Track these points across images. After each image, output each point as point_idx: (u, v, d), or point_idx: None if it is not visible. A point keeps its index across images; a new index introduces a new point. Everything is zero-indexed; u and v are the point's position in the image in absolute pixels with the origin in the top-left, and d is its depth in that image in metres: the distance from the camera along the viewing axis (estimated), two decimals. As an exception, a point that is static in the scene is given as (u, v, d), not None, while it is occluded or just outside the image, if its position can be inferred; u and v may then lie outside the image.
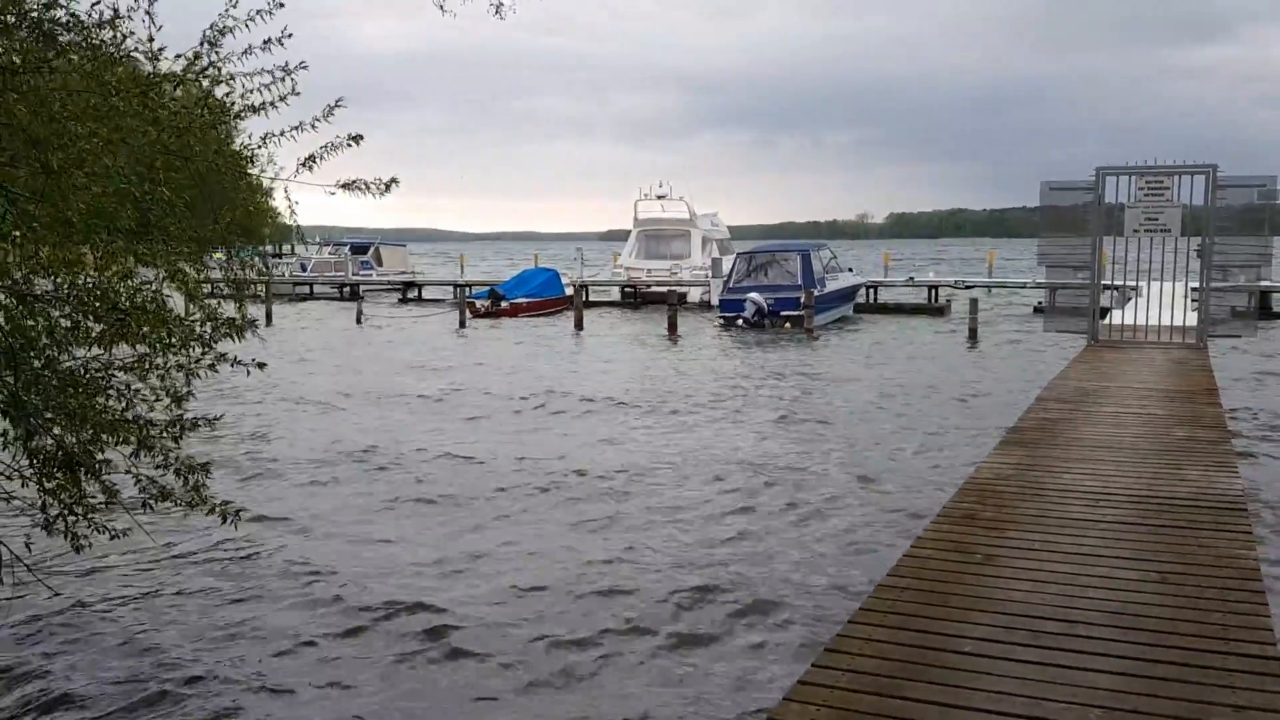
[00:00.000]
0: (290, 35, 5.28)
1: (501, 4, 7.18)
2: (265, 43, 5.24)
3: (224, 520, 5.11)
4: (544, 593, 7.07)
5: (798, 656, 5.77)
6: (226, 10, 5.25)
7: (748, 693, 5.47)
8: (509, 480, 10.37)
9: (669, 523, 8.77)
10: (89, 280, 4.65)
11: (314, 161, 5.36)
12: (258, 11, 5.24)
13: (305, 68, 5.34)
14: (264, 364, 5.27)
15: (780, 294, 27.07)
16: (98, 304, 4.60)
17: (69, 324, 4.66)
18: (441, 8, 7.11)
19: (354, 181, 5.35)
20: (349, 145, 5.38)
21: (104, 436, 4.92)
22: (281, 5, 5.27)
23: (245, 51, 5.28)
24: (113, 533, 5.02)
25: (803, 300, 26.40)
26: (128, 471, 4.87)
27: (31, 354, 4.70)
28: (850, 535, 8.30)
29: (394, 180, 5.39)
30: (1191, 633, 4.07)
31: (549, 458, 11.40)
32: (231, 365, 5.09)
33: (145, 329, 4.64)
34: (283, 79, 5.33)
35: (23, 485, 4.80)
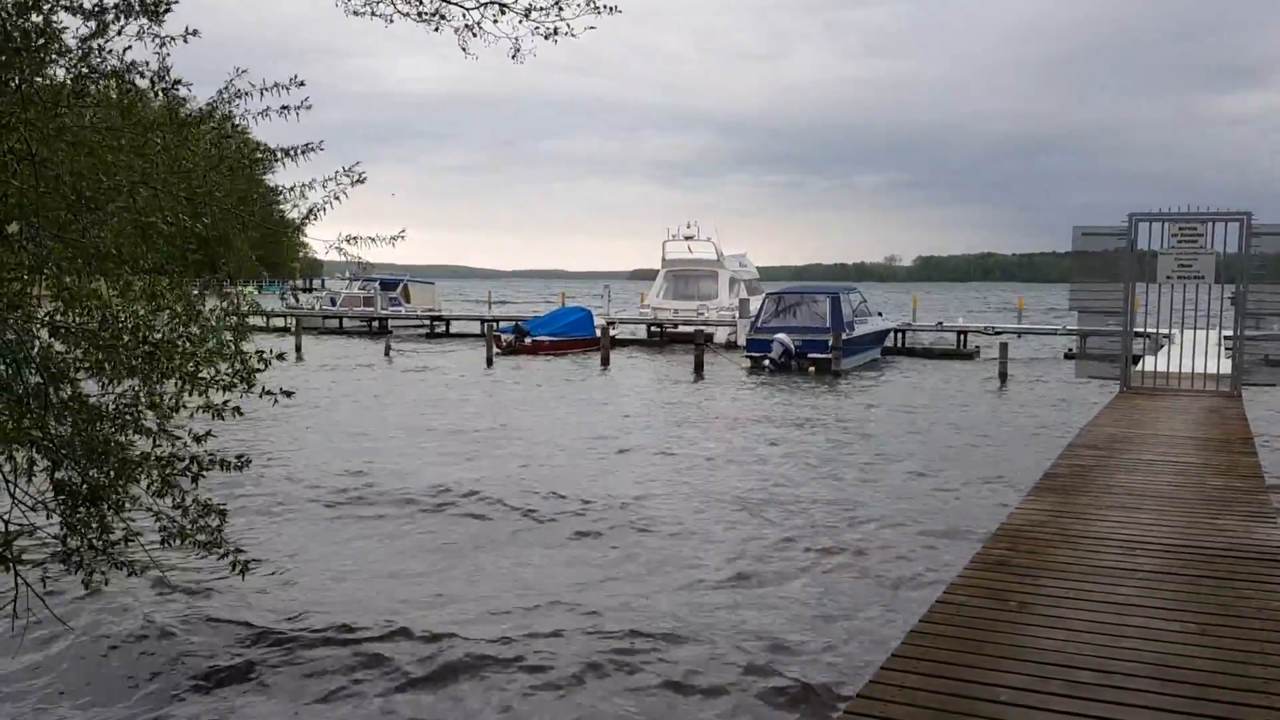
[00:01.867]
0: (310, 107, 5.33)
1: (519, 50, 7.29)
2: (283, 109, 5.30)
3: (234, 569, 5.09)
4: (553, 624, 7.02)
5: (823, 705, 5.68)
6: (230, 81, 5.31)
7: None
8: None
9: (687, 566, 8.70)
10: (118, 314, 4.69)
11: (316, 214, 5.41)
12: (275, 84, 5.30)
13: (323, 148, 5.40)
14: (291, 392, 5.27)
15: (808, 336, 26.95)
16: (127, 339, 4.63)
17: (97, 358, 4.69)
18: (464, 49, 7.23)
19: (352, 238, 5.39)
20: (357, 185, 5.43)
21: (128, 472, 4.93)
22: (302, 84, 5.32)
23: (262, 112, 5.35)
24: (130, 569, 5.01)
25: (831, 343, 26.29)
26: (149, 509, 4.88)
27: (63, 385, 4.74)
28: (881, 581, 8.21)
29: (401, 233, 5.43)
30: (1233, 686, 3.98)
31: (561, 490, 11.37)
32: (261, 394, 5.10)
33: (176, 365, 4.66)
34: (302, 152, 5.40)
35: (46, 517, 4.82)
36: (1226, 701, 3.84)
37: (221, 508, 5.11)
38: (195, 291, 5.32)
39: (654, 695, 6.08)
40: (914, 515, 10.53)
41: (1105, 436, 9.94)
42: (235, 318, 5.53)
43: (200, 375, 4.84)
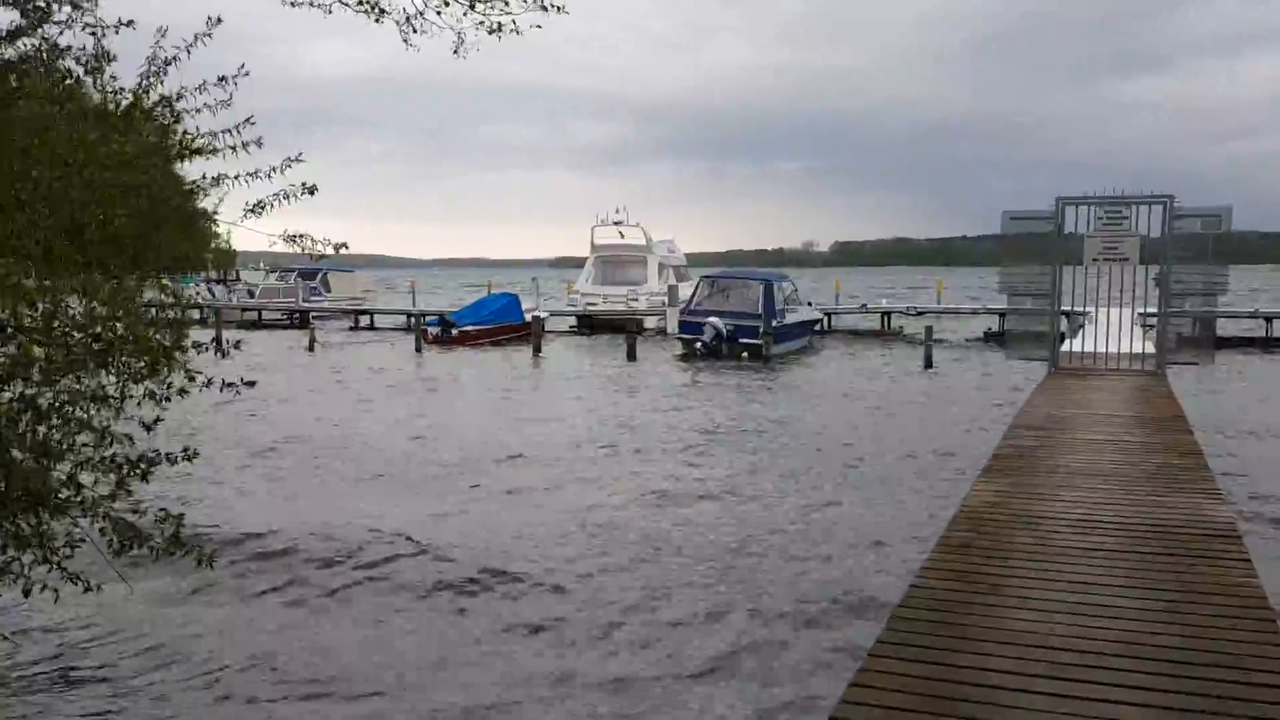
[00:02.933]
0: (248, 73, 5.14)
1: (462, 43, 7.13)
2: (220, 79, 5.11)
3: (199, 563, 4.91)
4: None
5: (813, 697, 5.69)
6: (157, 38, 5.09)
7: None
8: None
9: (644, 561, 8.68)
10: (68, 309, 4.48)
11: (262, 209, 5.23)
12: (196, 36, 5.10)
13: (253, 123, 5.20)
14: (254, 382, 5.10)
15: (741, 321, 27.10)
16: (75, 333, 4.43)
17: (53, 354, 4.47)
18: (406, 41, 7.04)
19: (299, 235, 5.21)
20: (305, 195, 5.26)
21: (76, 474, 4.71)
22: (220, 21, 5.12)
23: (199, 87, 5.15)
24: (85, 585, 4.79)
25: (762, 329, 26.48)
26: (106, 514, 4.67)
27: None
28: (846, 561, 8.27)
29: (343, 245, 5.27)
30: (1207, 662, 4.07)
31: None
32: (221, 388, 4.92)
33: (125, 358, 4.47)
34: (241, 127, 5.20)
35: None
36: (1203, 678, 3.93)
37: (180, 514, 4.90)
38: (131, 284, 5.10)
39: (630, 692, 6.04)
40: (866, 496, 10.65)
41: (1043, 417, 10.15)
42: (176, 310, 5.33)
43: (154, 367, 4.63)
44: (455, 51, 7.21)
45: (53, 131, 4.61)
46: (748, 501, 10.69)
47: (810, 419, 16.51)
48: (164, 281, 5.55)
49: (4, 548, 4.81)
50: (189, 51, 5.13)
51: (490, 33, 7.01)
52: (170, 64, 5.15)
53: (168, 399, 4.91)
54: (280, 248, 5.41)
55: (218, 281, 48.16)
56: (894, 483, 11.54)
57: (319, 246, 5.18)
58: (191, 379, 4.93)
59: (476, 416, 17.17)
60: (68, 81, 5.06)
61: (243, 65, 5.19)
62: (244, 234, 5.43)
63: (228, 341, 5.23)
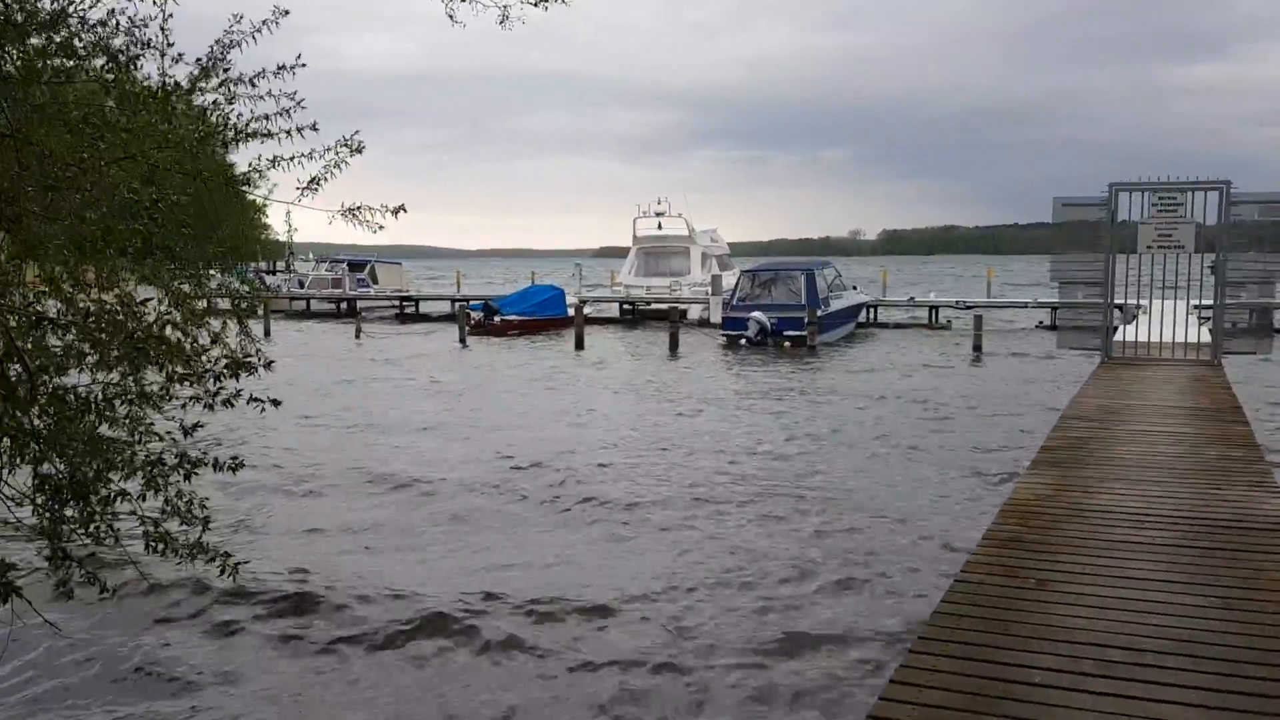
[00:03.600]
0: (304, 65, 5.10)
1: (507, 16, 7.03)
2: (279, 68, 5.07)
3: (223, 573, 4.89)
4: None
5: (847, 697, 5.58)
6: (232, 25, 5.06)
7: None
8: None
9: (693, 546, 8.59)
10: (104, 305, 4.47)
11: (317, 185, 5.16)
12: (264, 22, 5.06)
13: (304, 106, 5.15)
14: (279, 401, 5.05)
15: (784, 313, 26.93)
16: (110, 330, 4.42)
17: (85, 350, 4.47)
18: (452, 17, 6.95)
19: (357, 208, 5.15)
20: (355, 155, 5.17)
21: (113, 472, 4.71)
22: (287, 13, 5.08)
23: (258, 75, 5.11)
24: (103, 588, 4.78)
25: (806, 319, 26.30)
26: (132, 512, 4.67)
27: (48, 377, 4.51)
28: (893, 557, 8.12)
29: (401, 207, 5.20)
30: (1264, 661, 3.91)
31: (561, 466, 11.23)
32: (248, 401, 4.89)
33: (164, 360, 4.46)
34: (293, 109, 5.15)
35: (35, 514, 4.60)
36: (1259, 678, 3.77)
37: (205, 516, 4.88)
38: (197, 273, 5.09)
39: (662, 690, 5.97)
40: (914, 489, 10.48)
41: (1095, 408, 9.91)
42: (241, 300, 5.33)
43: (202, 362, 4.62)
44: (501, 23, 7.09)
45: (103, 113, 4.58)
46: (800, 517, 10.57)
47: (855, 412, 16.31)
48: (245, 274, 5.57)
49: (50, 537, 4.83)
50: (254, 38, 5.09)
51: (535, 4, 6.90)
52: (232, 49, 5.11)
53: (210, 406, 4.90)
54: (328, 228, 5.37)
55: (269, 272, 48.75)
56: (935, 475, 11.34)
57: (377, 216, 5.11)
58: (243, 372, 4.92)
59: (521, 414, 17.19)
60: (120, 60, 5.01)
61: (299, 56, 5.14)
62: (297, 224, 5.41)
63: (258, 356, 5.15)
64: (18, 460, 4.51)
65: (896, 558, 8.22)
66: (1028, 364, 22.74)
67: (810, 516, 9.49)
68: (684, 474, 11.48)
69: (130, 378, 4.71)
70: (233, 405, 4.88)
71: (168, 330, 4.64)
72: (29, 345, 4.35)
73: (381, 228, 5.15)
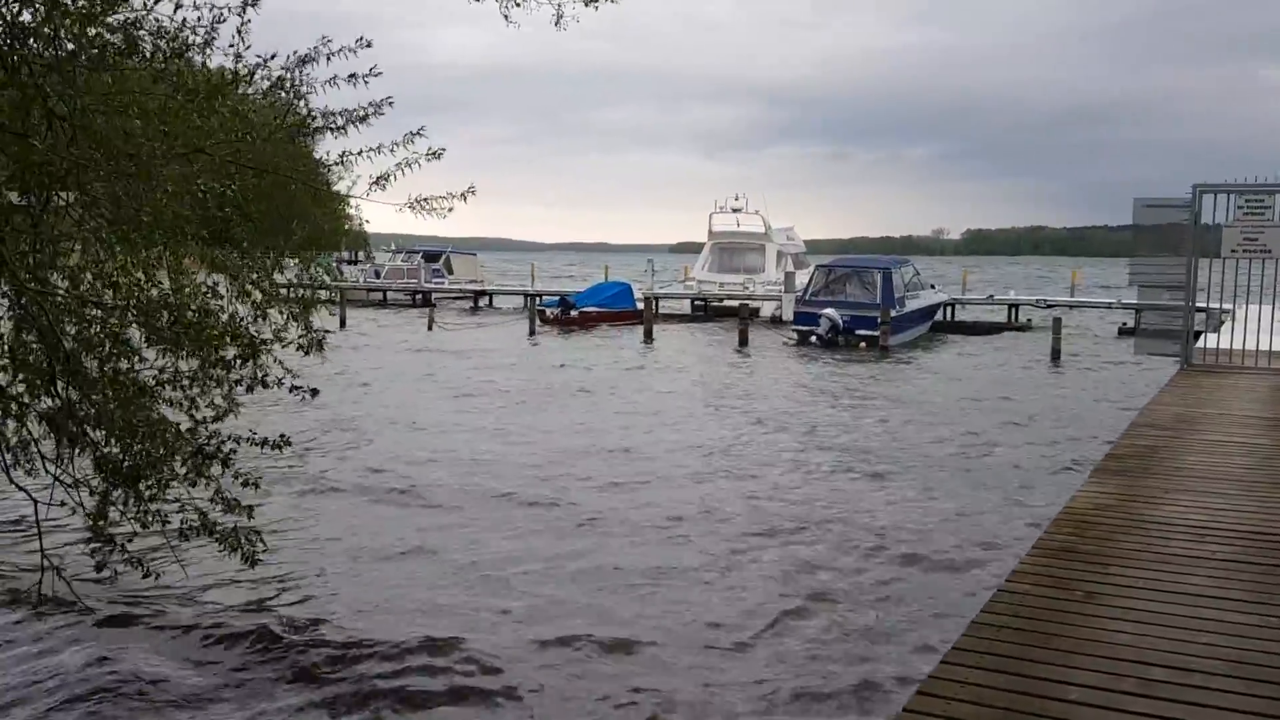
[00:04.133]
0: (380, 74, 5.13)
1: (561, 16, 7.02)
2: (351, 77, 5.11)
3: (245, 560, 4.95)
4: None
5: (885, 699, 5.46)
6: (316, 47, 5.11)
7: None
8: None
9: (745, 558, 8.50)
10: (153, 291, 4.56)
11: (387, 180, 5.20)
12: (341, 47, 5.11)
13: (391, 104, 5.19)
14: (316, 390, 5.10)
15: (857, 311, 26.48)
16: (164, 315, 4.49)
17: (130, 335, 4.56)
18: (506, 17, 6.96)
19: (423, 200, 5.18)
20: (429, 159, 5.21)
21: (161, 453, 4.79)
22: (369, 45, 5.13)
23: (330, 80, 5.16)
24: (146, 570, 4.87)
25: (880, 319, 25.81)
26: (175, 500, 4.76)
27: (89, 359, 4.60)
28: (937, 568, 7.94)
29: (470, 190, 5.20)
30: (1322, 687, 3.71)
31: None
32: (290, 390, 4.94)
33: (206, 340, 4.52)
34: (372, 113, 5.20)
35: (89, 494, 4.71)
36: (1314, 704, 3.58)
37: (250, 506, 4.96)
38: (265, 263, 5.17)
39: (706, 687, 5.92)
40: (971, 498, 10.25)
41: (1169, 416, 9.56)
42: (306, 289, 5.41)
43: (225, 358, 4.68)
44: (556, 24, 7.11)
45: (177, 100, 4.65)
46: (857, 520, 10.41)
47: (918, 418, 16.03)
48: (328, 263, 5.65)
49: (98, 519, 4.94)
50: (330, 59, 5.14)
51: (586, 4, 6.88)
52: (307, 64, 5.17)
53: (250, 389, 4.97)
54: (407, 219, 5.41)
55: (350, 262, 49.58)
56: (993, 484, 11.07)
57: (444, 204, 5.14)
58: (308, 351, 4.99)
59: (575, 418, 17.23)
60: (177, 43, 5.08)
61: (374, 66, 5.19)
62: (373, 215, 5.49)
63: (319, 332, 5.20)
64: (64, 442, 4.63)
65: (944, 566, 8.03)
66: (1106, 369, 22.12)
67: (850, 540, 9.33)
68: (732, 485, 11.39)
69: (182, 360, 4.80)
70: (277, 386, 4.93)
71: (213, 315, 4.70)
72: (70, 328, 4.45)
73: (451, 210, 5.17)
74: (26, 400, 4.49)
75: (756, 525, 9.23)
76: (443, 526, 9.14)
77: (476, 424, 14.60)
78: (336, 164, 5.32)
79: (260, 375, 4.91)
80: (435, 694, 5.72)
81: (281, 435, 5.14)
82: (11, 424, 4.51)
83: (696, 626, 6.74)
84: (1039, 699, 3.60)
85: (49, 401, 4.61)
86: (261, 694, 5.72)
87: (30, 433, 4.65)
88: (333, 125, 5.25)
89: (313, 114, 5.26)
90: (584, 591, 7.37)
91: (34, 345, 4.55)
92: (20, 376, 4.52)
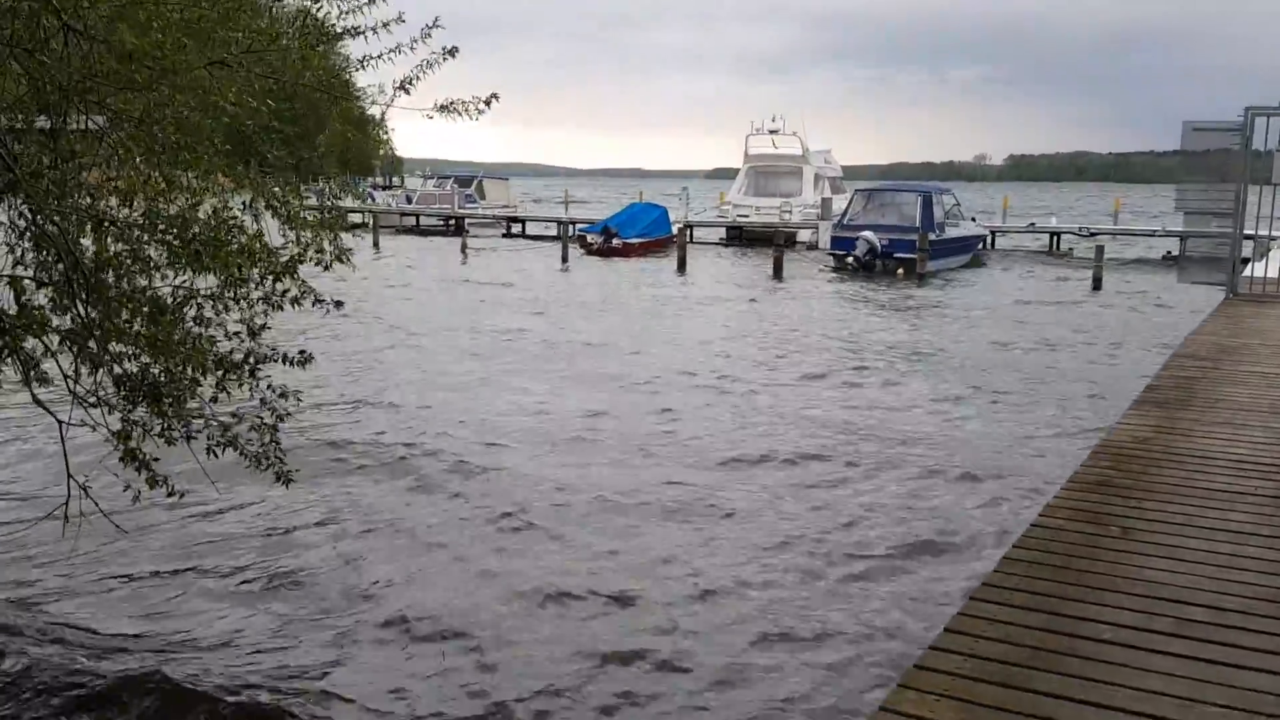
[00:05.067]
0: (442, 26, 4.95)
1: None
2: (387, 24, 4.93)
3: (278, 479, 4.93)
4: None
5: (911, 638, 5.39)
6: None
7: (859, 674, 5.11)
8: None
9: (785, 491, 8.42)
10: (168, 208, 4.47)
11: (410, 84, 5.05)
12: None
13: (442, 27, 5.02)
14: (341, 302, 5.02)
15: (896, 235, 26.05)
16: (175, 231, 4.41)
17: (148, 251, 4.49)
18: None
19: (451, 103, 5.04)
20: (446, 59, 5.03)
21: (184, 369, 4.74)
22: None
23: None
24: (171, 489, 4.87)
25: (918, 244, 25.38)
26: (198, 416, 4.72)
27: (110, 276, 4.54)
28: (969, 501, 7.82)
29: (493, 96, 5.05)
30: (1366, 629, 3.59)
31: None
32: (313, 304, 4.86)
33: (224, 260, 4.44)
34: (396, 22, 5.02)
35: (105, 414, 4.68)
36: (1358, 646, 3.47)
37: (273, 423, 4.91)
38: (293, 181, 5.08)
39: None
40: (1004, 430, 10.09)
41: (1211, 346, 9.32)
42: (329, 210, 5.32)
43: (245, 276, 4.60)
44: None
45: (181, 7, 4.52)
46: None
47: (959, 343, 15.79)
48: (358, 186, 5.55)
49: (123, 438, 4.93)
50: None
51: None
52: None
53: (280, 306, 4.90)
54: (440, 145, 5.29)
55: (383, 187, 49.48)
56: (1028, 416, 10.89)
57: (473, 108, 5.01)
58: (329, 266, 4.92)
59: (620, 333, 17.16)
60: None
61: (436, 19, 5.01)
62: (405, 141, 5.37)
63: (345, 252, 5.10)
64: (95, 362, 4.60)
65: (975, 501, 7.91)
66: (1149, 298, 21.68)
67: (885, 463, 9.23)
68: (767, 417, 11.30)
69: (202, 278, 4.73)
70: (299, 304, 4.85)
71: (234, 233, 4.61)
72: (91, 246, 4.39)
73: (481, 112, 5.04)
74: (48, 319, 4.45)
75: (776, 450, 9.16)
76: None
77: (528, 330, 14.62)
78: (359, 68, 5.18)
79: (282, 291, 4.83)
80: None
81: (301, 351, 5.06)
82: (33, 343, 4.48)
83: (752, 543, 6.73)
84: (1070, 638, 3.51)
85: (69, 320, 4.57)
86: (298, 625, 5.78)
87: (52, 352, 4.62)
88: (357, 30, 5.09)
89: (334, 25, 5.10)
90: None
91: (54, 263, 4.50)
92: (42, 294, 4.48)
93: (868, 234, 26.12)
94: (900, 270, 25.48)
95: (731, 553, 6.78)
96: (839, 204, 31.73)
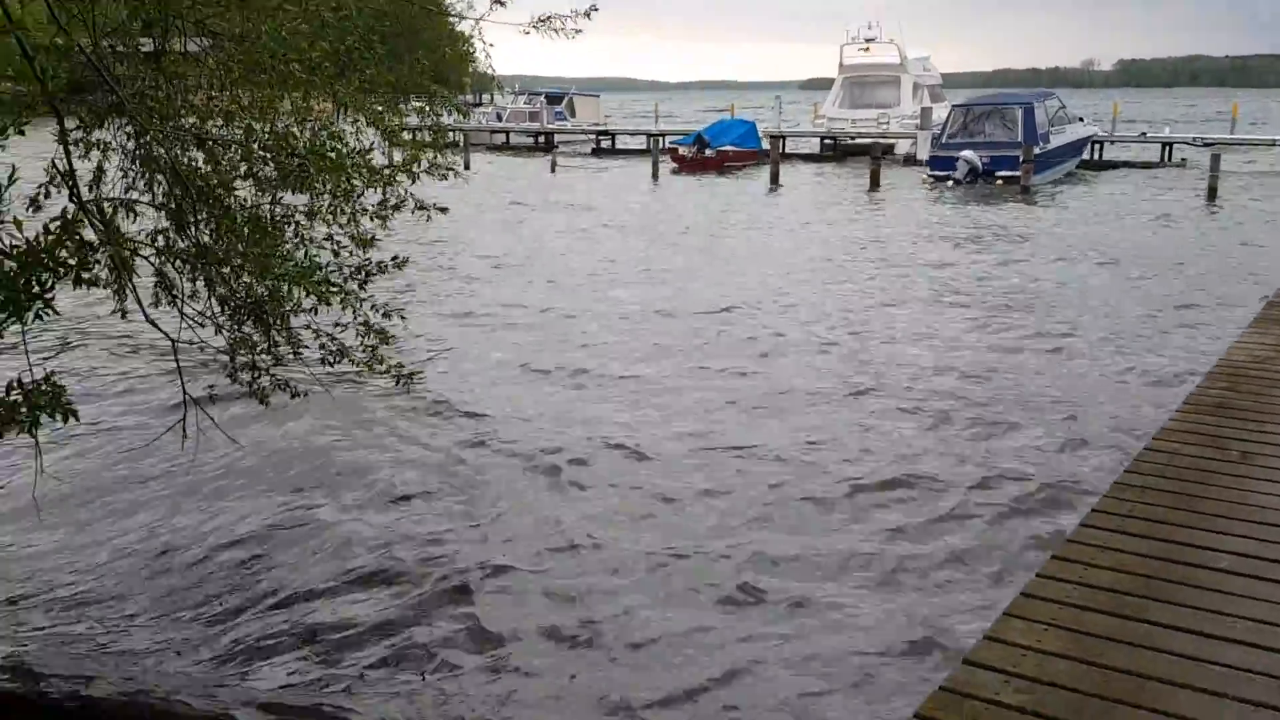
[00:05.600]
0: None
1: None
2: None
3: (397, 382, 5.01)
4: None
5: (1019, 564, 5.26)
6: None
7: (962, 595, 5.03)
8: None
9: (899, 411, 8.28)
10: (271, 127, 4.49)
11: None
12: None
13: None
14: (446, 208, 5.03)
15: (997, 152, 25.09)
16: (278, 149, 4.43)
17: (252, 170, 4.53)
18: None
19: (548, 18, 4.94)
20: None
21: (290, 287, 4.82)
22: None
23: None
24: (293, 390, 4.99)
25: (1021, 158, 24.40)
26: (308, 326, 4.81)
27: (222, 196, 4.61)
28: (1079, 424, 7.55)
29: (592, 8, 4.94)
30: None
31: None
32: (414, 210, 4.87)
33: (325, 175, 4.45)
34: None
35: (216, 332, 4.81)
36: None
37: (380, 327, 4.98)
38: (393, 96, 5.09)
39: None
40: (1115, 349, 9.73)
41: (1340, 262, 8.83)
42: (433, 126, 5.32)
43: (352, 186, 4.62)
44: None
45: None
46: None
47: (1063, 261, 15.25)
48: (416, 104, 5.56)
49: (231, 355, 5.07)
50: None
51: None
52: None
53: (384, 217, 4.94)
54: (530, 62, 5.23)
55: (474, 105, 49.40)
56: (1142, 334, 10.48)
57: (570, 23, 4.94)
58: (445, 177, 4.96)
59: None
60: None
61: None
62: (495, 58, 5.31)
63: (447, 167, 5.11)
64: (202, 282, 4.71)
65: (1088, 422, 7.66)
66: (1269, 211, 20.57)
67: (994, 392, 9.00)
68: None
69: (307, 195, 4.78)
70: (401, 209, 4.88)
71: (337, 148, 4.62)
72: (203, 164, 4.45)
73: (579, 30, 4.96)
74: (156, 240, 4.55)
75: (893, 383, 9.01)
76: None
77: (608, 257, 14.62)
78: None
79: (381, 203, 4.87)
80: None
81: (395, 256, 5.11)
82: (144, 264, 4.59)
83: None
84: (1186, 566, 3.39)
85: (179, 240, 4.66)
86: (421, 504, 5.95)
87: (162, 272, 4.73)
88: None
89: None
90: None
91: (162, 184, 4.58)
92: (151, 216, 4.58)
93: (968, 154, 25.24)
94: (1000, 182, 24.64)
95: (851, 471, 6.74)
96: (939, 113, 30.64)
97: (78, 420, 2.51)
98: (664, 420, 7.80)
